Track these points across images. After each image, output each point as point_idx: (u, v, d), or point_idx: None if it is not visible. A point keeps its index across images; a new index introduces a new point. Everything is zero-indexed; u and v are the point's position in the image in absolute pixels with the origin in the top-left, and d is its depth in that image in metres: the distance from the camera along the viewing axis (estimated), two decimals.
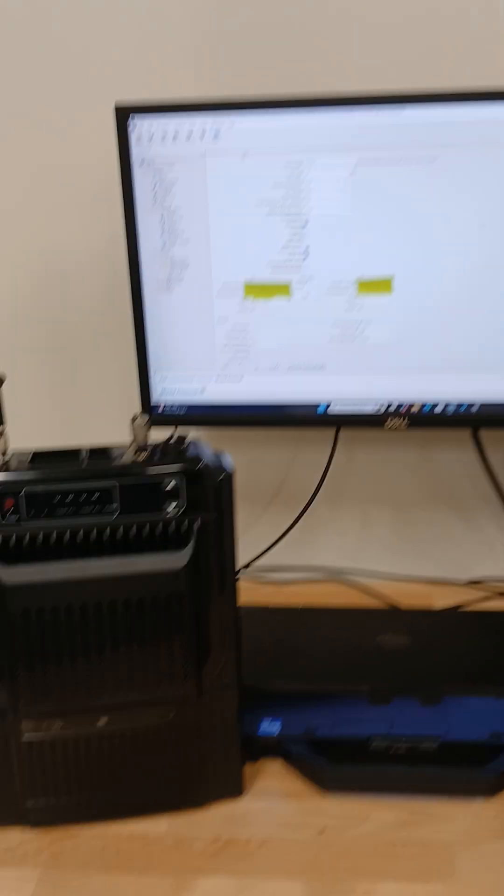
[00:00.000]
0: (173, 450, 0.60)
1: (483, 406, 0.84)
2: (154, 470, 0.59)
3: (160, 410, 0.88)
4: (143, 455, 0.60)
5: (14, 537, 0.58)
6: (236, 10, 0.87)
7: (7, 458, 0.60)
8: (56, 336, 1.00)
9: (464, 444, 0.96)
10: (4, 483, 0.58)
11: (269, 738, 0.71)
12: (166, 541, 0.60)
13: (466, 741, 0.69)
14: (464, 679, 0.72)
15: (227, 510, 0.60)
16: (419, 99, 0.75)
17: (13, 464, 0.59)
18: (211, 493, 0.60)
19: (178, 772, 0.66)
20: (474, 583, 1.00)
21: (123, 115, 0.79)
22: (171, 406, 0.88)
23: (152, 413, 0.88)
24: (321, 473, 0.96)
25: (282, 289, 0.83)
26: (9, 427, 0.72)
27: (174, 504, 0.59)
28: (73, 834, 0.65)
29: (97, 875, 0.62)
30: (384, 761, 0.68)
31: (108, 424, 1.03)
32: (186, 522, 0.60)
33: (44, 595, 0.58)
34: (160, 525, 0.59)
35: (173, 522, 0.59)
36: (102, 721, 0.63)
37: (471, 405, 0.84)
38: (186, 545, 0.60)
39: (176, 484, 0.59)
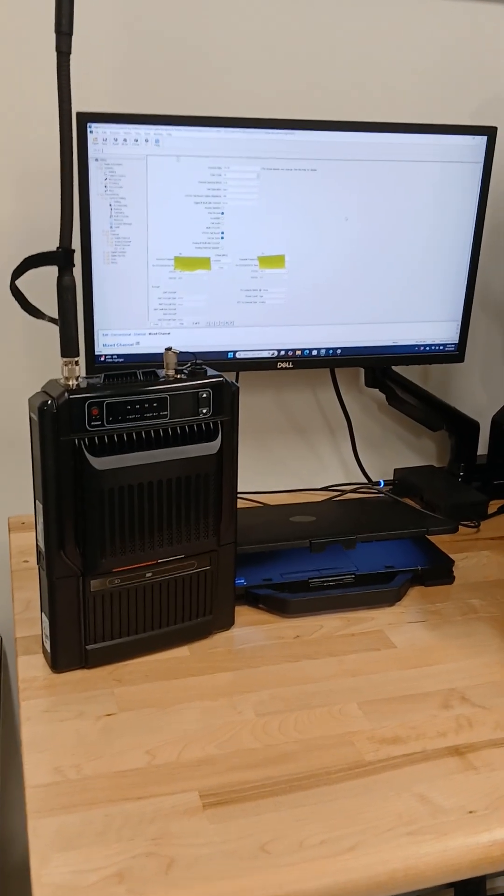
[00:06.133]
0: (199, 372, 0.85)
1: (344, 349, 1.16)
2: (193, 385, 0.83)
3: (102, 359, 1.10)
4: (181, 375, 0.84)
5: (101, 436, 0.79)
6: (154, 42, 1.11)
7: (79, 381, 0.81)
8: None
9: (304, 386, 1.29)
10: (91, 398, 0.79)
11: (238, 589, 0.98)
12: (202, 435, 0.84)
13: (370, 573, 1.02)
14: (366, 531, 1.04)
15: (236, 413, 0.86)
16: (304, 125, 1.05)
17: (92, 384, 0.80)
18: (227, 400, 0.85)
19: (195, 611, 0.90)
20: (325, 488, 1.33)
21: (84, 120, 1.00)
22: (111, 356, 1.10)
23: (95, 361, 1.10)
24: None
25: (203, 262, 1.09)
26: None
27: (205, 409, 0.84)
28: (123, 665, 0.88)
29: (152, 683, 0.85)
30: (322, 590, 0.98)
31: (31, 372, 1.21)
32: (214, 422, 0.85)
33: (123, 476, 0.80)
34: (197, 424, 0.84)
35: (206, 422, 0.84)
36: (148, 575, 0.86)
37: (336, 349, 1.16)
38: (216, 437, 0.85)
39: (207, 395, 0.84)
